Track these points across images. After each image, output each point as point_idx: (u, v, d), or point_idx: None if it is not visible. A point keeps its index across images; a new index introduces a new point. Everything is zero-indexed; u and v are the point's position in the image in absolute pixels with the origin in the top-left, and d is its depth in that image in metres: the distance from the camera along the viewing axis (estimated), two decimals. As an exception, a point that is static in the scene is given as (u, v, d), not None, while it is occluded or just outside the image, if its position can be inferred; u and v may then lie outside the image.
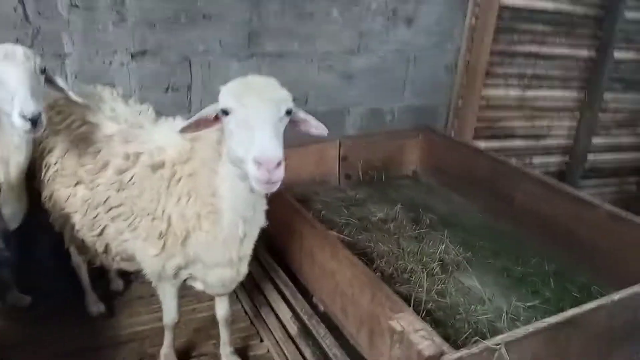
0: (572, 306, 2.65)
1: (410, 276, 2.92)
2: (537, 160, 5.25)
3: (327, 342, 2.55)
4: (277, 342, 3.10)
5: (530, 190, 3.49)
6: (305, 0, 3.68)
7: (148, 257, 2.50)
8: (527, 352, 2.04)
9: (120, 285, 3.72)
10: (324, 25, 3.82)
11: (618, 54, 4.98)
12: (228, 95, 2.00)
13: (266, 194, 2.31)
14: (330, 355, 2.50)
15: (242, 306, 3.57)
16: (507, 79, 4.72)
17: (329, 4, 3.77)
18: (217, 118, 2.09)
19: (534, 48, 4.70)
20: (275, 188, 1.91)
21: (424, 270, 2.96)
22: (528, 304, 2.82)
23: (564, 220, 3.25)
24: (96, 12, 3.16)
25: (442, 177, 4.29)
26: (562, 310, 2.66)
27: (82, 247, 2.77)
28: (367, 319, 2.38)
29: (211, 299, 3.57)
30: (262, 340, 3.33)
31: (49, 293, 3.53)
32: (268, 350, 3.23)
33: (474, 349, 1.89)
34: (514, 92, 4.81)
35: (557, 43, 4.80)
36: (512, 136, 5.03)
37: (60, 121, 2.72)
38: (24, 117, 2.24)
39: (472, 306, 2.71)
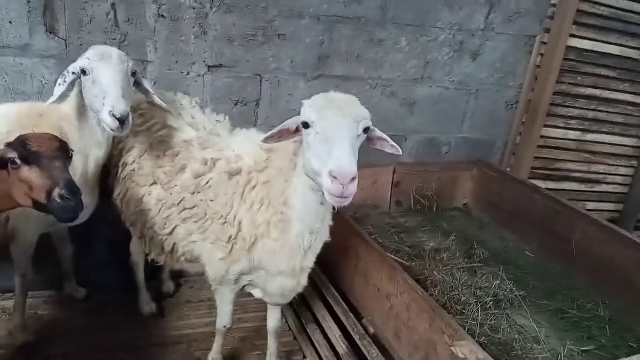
0: (628, 355, 2.61)
1: (464, 308, 2.91)
2: (590, 205, 5.13)
3: (379, 362, 2.55)
4: (322, 359, 3.11)
5: (589, 232, 3.43)
6: (376, 27, 3.78)
7: (214, 260, 2.57)
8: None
9: (172, 287, 3.81)
10: (392, 53, 3.91)
11: (683, 104, 4.88)
12: (310, 108, 2.08)
13: (334, 208, 2.37)
14: (381, 377, 2.51)
15: (286, 320, 3.59)
16: (567, 120, 4.67)
17: (399, 32, 3.85)
18: (297, 130, 2.17)
19: (596, 91, 4.65)
20: (347, 202, 1.97)
21: (477, 303, 2.94)
22: (583, 348, 2.77)
23: (622, 265, 3.19)
24: (181, 23, 3.33)
25: (495, 212, 4.26)
26: (617, 358, 2.63)
27: (150, 244, 2.86)
28: (422, 344, 2.38)
29: (256, 310, 3.64)
30: (304, 357, 3.34)
31: (104, 287, 3.65)
32: (311, 367, 3.25)
33: (538, 385, 1.88)
34: (572, 134, 4.76)
35: (620, 88, 4.74)
36: (567, 179, 4.95)
37: (142, 123, 2.85)
38: (113, 115, 2.37)
39: (528, 344, 2.67)
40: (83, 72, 2.47)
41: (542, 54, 4.32)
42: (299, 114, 2.15)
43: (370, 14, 3.73)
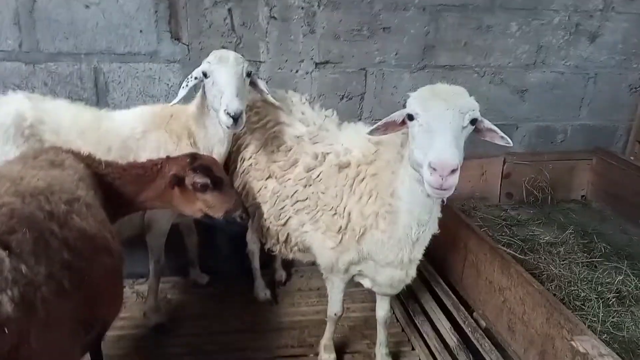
0: None
1: (583, 304, 2.76)
2: None
3: (493, 357, 2.51)
4: (431, 352, 3.12)
5: None
6: (485, 14, 3.68)
7: (325, 249, 2.68)
8: None
9: (284, 276, 4.01)
10: (501, 39, 3.78)
11: None
12: (415, 100, 2.10)
13: (442, 201, 2.37)
14: (496, 370, 2.47)
15: (394, 312, 3.63)
16: (701, 103, 4.22)
17: (509, 17, 3.72)
18: (403, 122, 2.20)
19: None
20: (446, 195, 1.96)
21: (598, 299, 2.77)
22: None
23: None
24: (290, 23, 3.48)
25: (617, 204, 3.97)
26: None
27: (266, 234, 3.04)
28: (538, 339, 2.31)
29: (364, 300, 3.72)
30: (413, 349, 3.37)
31: (224, 275, 3.93)
32: (420, 359, 3.27)
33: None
34: None
35: None
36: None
37: (257, 121, 3.04)
38: (228, 113, 2.56)
39: (656, 343, 2.48)
40: (205, 75, 2.69)
41: (672, 32, 3.93)
42: (404, 106, 2.18)
43: (478, 1, 3.63)
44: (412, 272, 2.62)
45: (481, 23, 3.70)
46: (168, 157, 2.59)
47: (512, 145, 2.25)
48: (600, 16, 3.85)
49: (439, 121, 1.98)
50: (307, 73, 3.64)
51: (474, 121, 2.08)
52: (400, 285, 2.68)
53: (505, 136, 2.24)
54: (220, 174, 2.58)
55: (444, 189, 1.88)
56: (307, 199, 2.72)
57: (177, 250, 3.66)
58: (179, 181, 2.50)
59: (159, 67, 3.50)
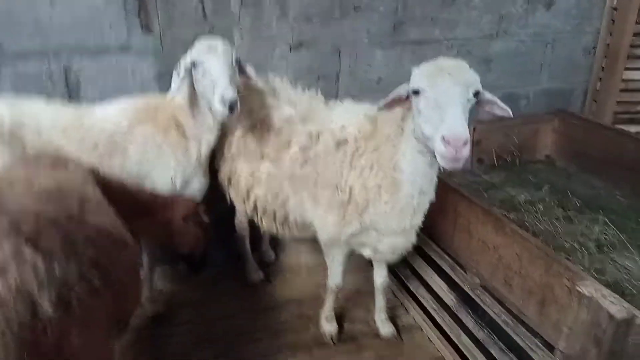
0: None
1: (569, 255, 2.97)
2: (678, 145, 4.98)
3: (496, 310, 2.67)
4: (427, 312, 3.27)
5: (688, 172, 3.38)
6: (449, -13, 3.80)
7: (327, 225, 2.76)
8: None
9: (272, 256, 4.07)
10: (465, 11, 3.92)
11: None
12: (420, 76, 2.18)
13: (440, 170, 2.48)
14: (500, 322, 2.62)
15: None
16: (649, 61, 4.54)
17: (472, -11, 3.86)
18: (408, 97, 2.28)
19: (679, 27, 4.47)
20: (460, 165, 2.07)
21: (582, 249, 2.99)
22: (694, 283, 2.77)
23: None
24: (263, 8, 3.48)
25: (581, 161, 4.23)
26: None
27: (263, 216, 3.08)
28: (537, 289, 2.47)
29: (353, 271, 3.81)
30: (408, 311, 3.53)
31: (212, 262, 3.92)
32: (415, 320, 3.43)
33: (665, 315, 1.95)
34: (656, 75, 4.61)
35: None
36: (651, 121, 4.82)
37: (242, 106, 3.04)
38: (224, 102, 2.57)
39: (638, 283, 2.71)
40: (194, 65, 2.68)
41: (619, -4, 4.20)
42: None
43: (442, -25, 3.75)
44: (413, 238, 2.75)
45: (446, -3, 3.82)
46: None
47: (512, 115, 2.36)
48: (556, -17, 4.06)
49: (448, 96, 2.07)
50: (282, 56, 3.66)
51: (477, 94, 2.19)
52: (402, 251, 2.80)
53: (505, 107, 2.35)
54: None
55: (458, 160, 1.99)
56: (306, 177, 2.77)
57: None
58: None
59: (132, 60, 3.42)
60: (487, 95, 2.30)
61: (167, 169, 2.97)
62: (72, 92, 3.38)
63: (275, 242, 4.12)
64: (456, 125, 2.00)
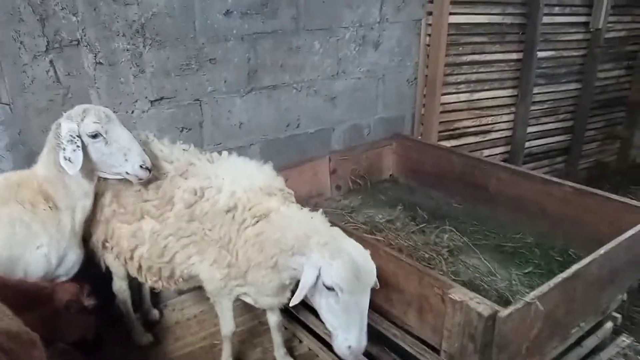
0: (559, 267, 3.32)
1: (429, 263, 3.47)
2: (486, 152, 6.02)
3: (384, 325, 3.02)
4: (321, 339, 3.53)
5: (503, 178, 4.16)
6: (293, 36, 4.15)
7: (214, 278, 2.86)
8: (550, 302, 2.64)
9: (157, 314, 3.97)
10: (309, 57, 4.31)
11: (540, 54, 5.87)
12: (338, 277, 2.39)
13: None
14: (389, 335, 2.98)
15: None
16: (457, 86, 5.43)
17: (312, 37, 4.26)
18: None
19: (476, 56, 5.45)
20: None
21: (438, 256, 3.52)
22: (524, 271, 3.45)
23: (534, 198, 3.94)
24: (118, 67, 3.45)
25: (418, 176, 4.90)
26: (552, 271, 3.34)
27: (147, 274, 3.06)
28: (414, 300, 2.89)
29: (242, 313, 3.94)
30: (301, 341, 3.74)
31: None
32: (310, 349, 3.66)
33: (518, 305, 2.47)
34: (463, 96, 5.54)
35: (493, 50, 5.59)
36: (464, 135, 5.76)
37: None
38: (146, 168, 2.68)
39: (486, 279, 3.30)
40: (94, 136, 2.63)
41: (429, 34, 4.97)
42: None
43: (285, 26, 4.08)
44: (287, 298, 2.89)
45: (291, 45, 4.17)
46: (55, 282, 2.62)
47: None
48: (379, 27, 4.67)
49: (359, 308, 2.43)
50: (143, 112, 3.65)
51: None
52: (281, 305, 3.00)
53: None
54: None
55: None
56: (192, 234, 2.82)
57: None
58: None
59: (-22, 131, 3.15)
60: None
61: (40, 247, 2.79)
62: None
63: (156, 297, 4.03)
64: (363, 338, 2.43)
